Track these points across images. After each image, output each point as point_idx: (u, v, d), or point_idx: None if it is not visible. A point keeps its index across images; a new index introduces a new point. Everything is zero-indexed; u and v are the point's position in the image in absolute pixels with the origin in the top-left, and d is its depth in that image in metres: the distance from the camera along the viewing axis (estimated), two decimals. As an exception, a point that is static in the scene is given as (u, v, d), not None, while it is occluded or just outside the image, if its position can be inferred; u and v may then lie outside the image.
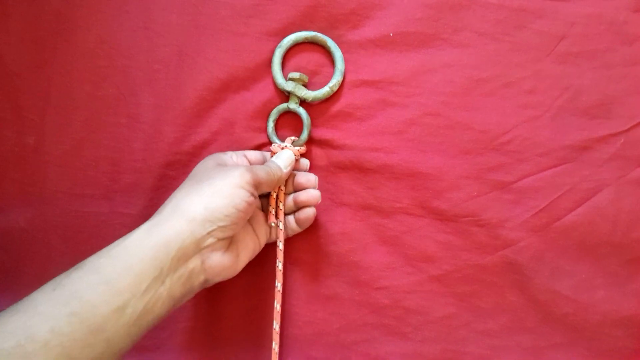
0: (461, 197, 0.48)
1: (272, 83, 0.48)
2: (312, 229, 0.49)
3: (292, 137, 0.48)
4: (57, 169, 0.48)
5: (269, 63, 0.48)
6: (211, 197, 0.38)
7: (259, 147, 0.49)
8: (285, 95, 0.48)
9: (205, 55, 0.47)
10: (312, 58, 0.49)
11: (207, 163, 0.43)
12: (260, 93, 0.48)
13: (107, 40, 0.47)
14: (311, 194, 0.46)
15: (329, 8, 0.47)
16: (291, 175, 0.47)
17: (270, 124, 0.48)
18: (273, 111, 0.48)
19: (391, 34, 0.48)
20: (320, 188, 0.47)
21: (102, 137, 0.48)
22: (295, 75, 0.46)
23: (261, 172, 0.41)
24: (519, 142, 0.48)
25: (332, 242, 0.50)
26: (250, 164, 0.46)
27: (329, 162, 0.49)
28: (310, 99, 0.47)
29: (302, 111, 0.48)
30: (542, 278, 0.48)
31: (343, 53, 0.48)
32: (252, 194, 0.40)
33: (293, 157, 0.46)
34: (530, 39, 0.48)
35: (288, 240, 0.49)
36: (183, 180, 0.48)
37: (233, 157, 0.45)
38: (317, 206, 0.47)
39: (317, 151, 0.49)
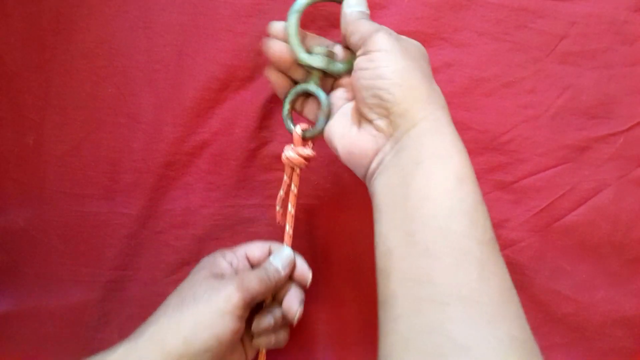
0: (461, 197, 0.48)
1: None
2: (313, 229, 0.49)
3: (304, 125, 0.41)
4: (56, 169, 0.48)
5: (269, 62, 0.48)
6: (192, 328, 0.35)
7: (259, 148, 0.49)
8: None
9: (205, 55, 0.47)
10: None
11: (200, 274, 0.40)
12: (260, 93, 0.48)
13: (106, 40, 0.47)
14: (294, 301, 0.42)
15: (330, 7, 0.47)
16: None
17: (286, 106, 0.41)
18: (290, 92, 0.41)
19: (391, 34, 0.48)
20: (321, 187, 0.47)
21: (101, 137, 0.48)
22: (322, 49, 0.39)
23: (254, 283, 0.38)
24: (519, 142, 0.48)
25: (333, 242, 0.49)
26: (253, 264, 0.43)
27: (330, 160, 0.49)
28: (342, 73, 0.39)
29: (322, 95, 0.39)
30: (542, 278, 0.48)
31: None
32: (240, 318, 0.37)
33: (292, 257, 0.42)
34: (531, 38, 0.48)
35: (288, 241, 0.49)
36: (183, 180, 0.49)
37: (233, 260, 0.42)
38: (319, 204, 0.47)
39: (318, 149, 0.49)
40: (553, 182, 0.48)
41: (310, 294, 0.50)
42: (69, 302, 0.49)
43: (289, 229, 0.43)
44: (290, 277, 0.43)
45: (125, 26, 0.47)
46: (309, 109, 0.41)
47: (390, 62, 0.33)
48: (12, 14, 0.47)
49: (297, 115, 0.43)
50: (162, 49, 0.47)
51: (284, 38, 0.39)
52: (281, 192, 0.43)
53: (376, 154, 0.34)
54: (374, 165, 0.34)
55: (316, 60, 0.38)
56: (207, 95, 0.47)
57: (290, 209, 0.43)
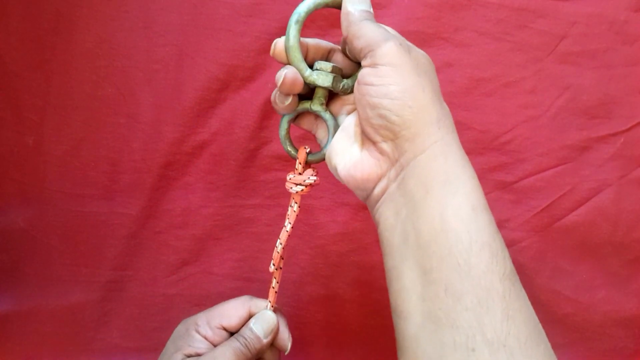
0: (462, 197, 0.48)
1: (273, 82, 0.48)
2: (313, 229, 0.49)
3: (307, 148, 0.36)
4: (56, 169, 0.48)
5: (269, 62, 0.48)
6: None
7: (259, 148, 0.49)
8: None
9: (204, 55, 0.47)
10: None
11: (174, 358, 0.36)
12: (260, 93, 0.48)
13: (106, 40, 0.47)
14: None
15: (329, 7, 0.47)
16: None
17: (284, 126, 0.36)
18: (291, 113, 0.36)
19: (391, 34, 0.48)
20: (321, 187, 0.47)
21: (101, 137, 0.48)
22: (327, 66, 0.33)
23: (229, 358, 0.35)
24: (519, 142, 0.48)
25: (333, 242, 0.49)
26: (232, 331, 0.38)
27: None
28: (349, 90, 0.34)
29: (328, 117, 0.35)
30: (543, 278, 0.48)
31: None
32: None
33: (275, 322, 0.38)
34: (531, 38, 0.47)
35: (288, 240, 0.49)
36: (183, 180, 0.49)
37: (207, 333, 0.37)
38: (319, 205, 0.47)
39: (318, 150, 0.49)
40: (553, 182, 0.48)
41: (310, 294, 0.50)
42: (69, 302, 0.49)
43: (275, 284, 0.39)
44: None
45: (125, 26, 0.47)
46: (308, 123, 0.37)
47: (400, 80, 0.29)
48: (12, 14, 0.47)
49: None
50: (162, 49, 0.47)
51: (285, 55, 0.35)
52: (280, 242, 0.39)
53: (380, 179, 0.31)
54: (377, 191, 0.31)
55: (322, 79, 0.33)
56: (207, 95, 0.47)
57: (280, 257, 0.39)
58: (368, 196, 0.32)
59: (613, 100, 0.48)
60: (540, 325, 0.28)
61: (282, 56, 0.34)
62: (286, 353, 0.39)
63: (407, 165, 0.29)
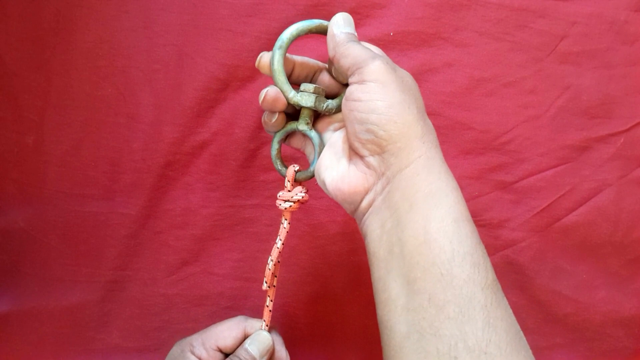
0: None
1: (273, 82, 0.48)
2: (313, 229, 0.49)
3: (296, 166, 0.37)
4: (56, 169, 0.48)
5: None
6: None
7: (259, 148, 0.49)
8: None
9: (204, 55, 0.47)
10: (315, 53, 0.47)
11: None
12: (259, 93, 0.48)
13: (106, 40, 0.47)
14: None
15: (329, 7, 0.47)
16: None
17: (275, 147, 0.38)
18: (279, 132, 0.38)
19: (392, 33, 0.48)
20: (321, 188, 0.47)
21: (101, 137, 0.48)
22: (309, 87, 0.35)
23: None
24: (519, 142, 0.48)
25: (333, 242, 0.49)
26: (227, 352, 0.39)
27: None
28: (334, 110, 0.36)
29: (314, 135, 0.36)
30: (543, 278, 0.48)
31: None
32: None
33: (270, 343, 0.38)
34: (531, 38, 0.48)
35: (288, 240, 0.49)
36: (183, 180, 0.49)
37: (202, 354, 0.38)
38: (319, 205, 0.47)
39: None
40: (553, 182, 0.48)
41: (310, 294, 0.50)
42: (69, 302, 0.49)
43: (269, 302, 0.39)
44: None
45: (125, 26, 0.47)
46: (298, 142, 0.39)
47: (386, 96, 0.30)
48: (12, 14, 0.47)
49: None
50: (162, 49, 0.47)
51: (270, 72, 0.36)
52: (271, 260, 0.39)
53: (367, 192, 0.32)
54: (364, 204, 0.32)
55: (305, 100, 0.35)
56: (207, 95, 0.47)
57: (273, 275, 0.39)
58: (356, 209, 0.33)
59: (613, 100, 0.48)
60: (521, 333, 0.29)
61: (265, 70, 0.36)
62: None
63: (392, 179, 0.30)
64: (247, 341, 0.38)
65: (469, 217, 0.30)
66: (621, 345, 0.49)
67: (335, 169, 0.33)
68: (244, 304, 0.50)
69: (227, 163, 0.48)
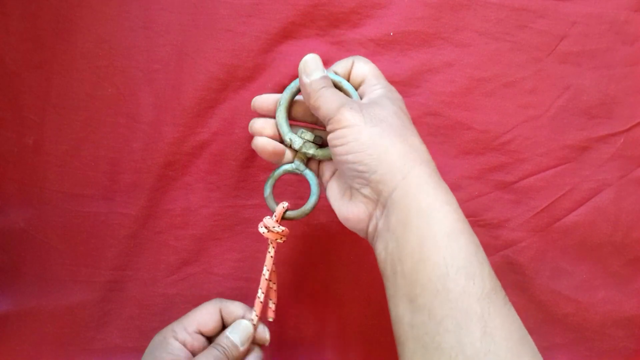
0: (462, 197, 0.48)
1: (273, 82, 0.48)
2: (313, 229, 0.49)
3: (285, 204, 0.39)
4: (56, 169, 0.48)
5: (269, 62, 0.48)
6: None
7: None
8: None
9: (204, 55, 0.47)
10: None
11: None
12: (260, 93, 0.48)
13: (106, 40, 0.47)
14: None
15: (330, 7, 0.47)
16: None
17: (268, 190, 0.40)
18: (272, 175, 0.40)
19: (392, 33, 0.48)
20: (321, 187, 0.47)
21: (101, 137, 0.48)
22: (309, 135, 0.39)
23: None
24: (519, 142, 0.48)
25: (333, 242, 0.49)
26: (208, 335, 0.40)
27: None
28: (325, 158, 0.39)
29: (310, 176, 0.39)
30: (543, 278, 0.48)
31: (343, 52, 0.48)
32: None
33: (251, 330, 0.40)
34: (531, 38, 0.47)
35: (288, 240, 0.49)
36: (182, 180, 0.49)
37: (187, 339, 0.39)
38: (319, 205, 0.47)
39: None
40: (553, 182, 0.48)
41: (310, 294, 0.50)
42: (69, 302, 0.49)
43: (260, 294, 0.40)
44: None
45: (125, 26, 0.47)
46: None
47: (357, 136, 0.33)
48: (11, 13, 0.47)
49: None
50: (162, 49, 0.47)
51: (266, 113, 0.40)
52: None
53: (370, 219, 0.34)
54: (370, 229, 0.35)
55: (296, 143, 0.38)
56: (207, 95, 0.47)
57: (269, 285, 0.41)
58: (366, 235, 0.36)
59: (613, 100, 0.48)
60: (527, 337, 0.30)
61: (261, 109, 0.40)
62: (267, 344, 0.42)
63: (386, 203, 0.33)
64: (228, 329, 0.39)
65: (464, 228, 0.32)
66: (621, 345, 0.49)
67: (341, 201, 0.36)
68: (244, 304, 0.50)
69: (227, 163, 0.48)
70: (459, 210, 0.33)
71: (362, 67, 0.38)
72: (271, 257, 0.40)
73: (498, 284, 0.31)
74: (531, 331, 0.49)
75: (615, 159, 0.48)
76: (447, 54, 0.48)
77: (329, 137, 0.35)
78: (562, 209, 0.48)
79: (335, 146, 0.34)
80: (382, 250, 0.33)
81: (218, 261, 0.50)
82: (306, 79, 0.36)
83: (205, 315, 0.40)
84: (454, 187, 0.48)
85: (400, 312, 0.31)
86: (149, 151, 0.48)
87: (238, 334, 0.39)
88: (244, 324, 0.40)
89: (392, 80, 0.48)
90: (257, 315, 0.40)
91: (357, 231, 0.36)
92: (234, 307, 0.41)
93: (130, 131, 0.48)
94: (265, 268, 0.40)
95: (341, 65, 0.38)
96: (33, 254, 0.49)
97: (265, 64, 0.48)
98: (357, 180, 0.34)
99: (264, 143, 0.38)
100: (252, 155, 0.49)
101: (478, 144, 0.48)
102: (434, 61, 0.48)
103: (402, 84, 0.48)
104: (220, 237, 0.49)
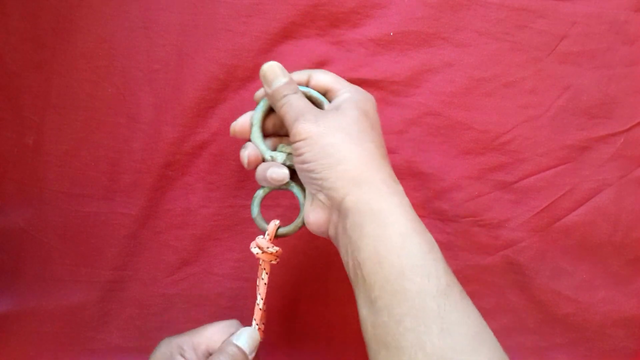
0: (462, 197, 0.48)
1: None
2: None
3: (276, 222, 0.39)
4: (56, 169, 0.48)
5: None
6: None
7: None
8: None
9: (204, 55, 0.47)
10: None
11: None
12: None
13: (106, 40, 0.47)
14: None
15: (329, 7, 0.47)
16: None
17: (255, 209, 0.39)
18: (259, 192, 0.40)
19: (392, 33, 0.48)
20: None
21: (101, 137, 0.48)
22: (287, 148, 0.38)
23: None
24: (519, 142, 0.48)
25: (333, 242, 0.49)
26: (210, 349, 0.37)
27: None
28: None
29: (297, 190, 0.38)
30: (543, 278, 0.48)
31: (343, 52, 0.48)
32: None
33: (258, 337, 0.37)
34: (531, 38, 0.47)
35: (288, 240, 0.49)
36: (182, 180, 0.49)
37: (192, 359, 0.36)
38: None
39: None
40: (553, 182, 0.48)
41: (310, 294, 0.50)
42: (69, 302, 0.49)
43: (259, 301, 0.38)
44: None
45: (125, 26, 0.47)
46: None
47: (310, 147, 0.34)
48: (11, 13, 0.47)
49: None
50: (162, 49, 0.47)
51: (244, 133, 0.40)
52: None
53: (328, 223, 0.35)
54: (331, 233, 0.36)
55: (279, 158, 0.38)
56: (207, 95, 0.47)
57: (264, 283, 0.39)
58: (330, 238, 0.37)
59: (613, 100, 0.48)
60: (485, 331, 0.31)
61: (240, 135, 0.40)
62: None
63: (340, 209, 0.34)
64: (234, 336, 0.37)
65: (417, 227, 0.33)
66: (621, 345, 0.49)
67: (306, 206, 0.37)
68: (244, 304, 0.50)
69: (227, 163, 0.48)
70: (412, 211, 0.34)
71: (322, 77, 0.38)
72: (265, 284, 0.38)
73: (454, 279, 0.32)
74: (531, 331, 0.49)
75: (615, 159, 0.48)
76: (447, 54, 0.48)
77: (292, 147, 0.36)
78: (562, 209, 0.48)
79: (295, 155, 0.35)
80: (344, 254, 0.34)
81: (218, 261, 0.50)
82: (268, 90, 0.37)
83: (216, 335, 0.37)
84: (454, 187, 0.48)
85: (364, 313, 0.32)
86: (149, 151, 0.48)
87: (246, 341, 0.36)
88: (250, 330, 0.37)
89: (392, 81, 0.48)
90: (255, 320, 0.38)
91: (321, 234, 0.37)
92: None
93: (130, 131, 0.48)
94: (259, 297, 0.38)
95: (296, 78, 0.38)
96: (33, 254, 0.49)
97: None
98: (312, 186, 0.35)
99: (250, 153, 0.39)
100: (252, 155, 0.49)
101: (478, 144, 0.48)
102: (434, 61, 0.48)
103: (402, 84, 0.48)
104: (220, 237, 0.49)
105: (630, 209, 0.48)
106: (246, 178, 0.49)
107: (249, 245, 0.50)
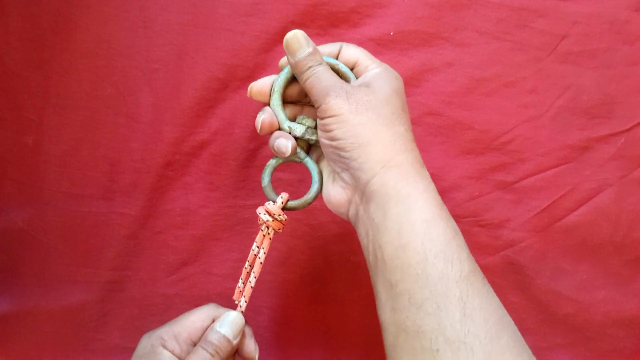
0: (463, 197, 0.48)
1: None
2: (313, 229, 0.49)
3: (284, 195, 0.38)
4: (56, 169, 0.48)
5: (269, 62, 0.48)
6: None
7: (259, 148, 0.49)
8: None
9: (204, 55, 0.47)
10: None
11: None
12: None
13: (106, 40, 0.47)
14: None
15: (330, 6, 0.47)
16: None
17: (266, 179, 0.39)
18: (272, 162, 0.39)
19: (392, 33, 0.47)
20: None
21: (101, 137, 0.48)
22: (306, 120, 0.37)
23: None
24: (520, 142, 0.48)
25: (333, 243, 0.49)
26: (194, 342, 0.37)
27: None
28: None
29: (311, 164, 0.38)
30: (543, 278, 0.48)
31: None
32: None
33: (242, 322, 0.37)
34: (532, 38, 0.47)
35: (288, 241, 0.49)
36: (182, 180, 0.49)
37: (175, 348, 0.36)
38: (319, 205, 0.47)
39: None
40: (554, 182, 0.48)
41: (310, 294, 0.50)
42: (68, 302, 0.49)
43: (240, 284, 0.38)
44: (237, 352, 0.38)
45: (125, 26, 0.47)
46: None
47: (341, 125, 0.33)
48: (11, 13, 0.47)
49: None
50: (162, 49, 0.47)
51: (264, 99, 0.38)
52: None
53: (349, 204, 0.35)
54: (351, 214, 0.35)
55: (297, 130, 0.37)
56: (207, 95, 0.47)
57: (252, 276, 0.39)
58: (348, 219, 0.36)
59: (614, 100, 0.48)
60: (506, 318, 0.31)
61: (258, 97, 0.38)
62: None
63: (365, 190, 0.33)
64: (217, 323, 0.37)
65: (442, 213, 0.32)
66: (621, 345, 0.49)
67: (327, 180, 0.37)
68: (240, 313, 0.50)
69: (227, 163, 0.48)
70: (438, 197, 0.33)
71: (353, 50, 0.37)
72: (261, 263, 0.38)
73: (476, 266, 0.32)
74: (531, 331, 0.49)
75: (616, 158, 0.48)
76: (448, 54, 0.48)
77: (318, 122, 0.35)
78: (562, 209, 0.48)
79: (323, 131, 0.35)
80: (364, 237, 0.34)
81: (218, 261, 0.50)
82: (291, 60, 0.35)
83: (196, 323, 0.37)
84: (455, 187, 0.48)
85: (383, 297, 0.32)
86: (149, 151, 0.48)
87: (229, 327, 0.36)
88: (233, 315, 0.37)
89: (392, 80, 0.48)
90: (245, 302, 0.38)
91: (340, 214, 0.37)
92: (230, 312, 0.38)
93: (129, 131, 0.48)
94: (262, 250, 0.38)
95: (327, 50, 0.37)
96: (33, 254, 0.49)
97: (265, 63, 0.48)
98: (338, 164, 0.35)
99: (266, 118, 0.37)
100: (252, 155, 0.49)
101: (478, 143, 0.48)
102: (434, 61, 0.48)
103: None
104: (220, 237, 0.49)
105: (631, 209, 0.48)
106: (246, 178, 0.49)
107: (249, 245, 0.50)
